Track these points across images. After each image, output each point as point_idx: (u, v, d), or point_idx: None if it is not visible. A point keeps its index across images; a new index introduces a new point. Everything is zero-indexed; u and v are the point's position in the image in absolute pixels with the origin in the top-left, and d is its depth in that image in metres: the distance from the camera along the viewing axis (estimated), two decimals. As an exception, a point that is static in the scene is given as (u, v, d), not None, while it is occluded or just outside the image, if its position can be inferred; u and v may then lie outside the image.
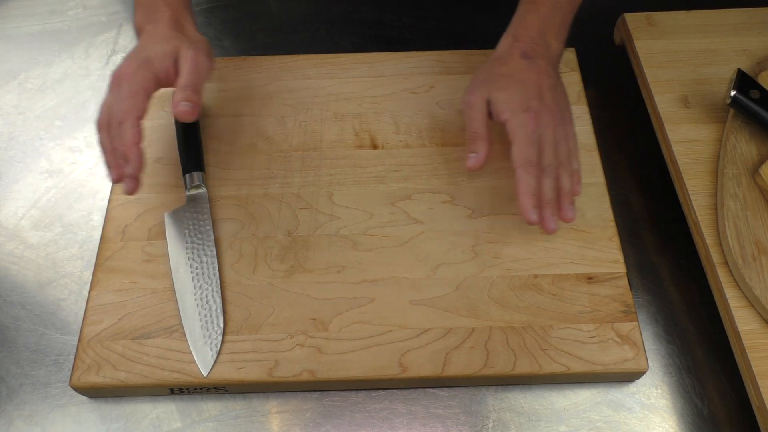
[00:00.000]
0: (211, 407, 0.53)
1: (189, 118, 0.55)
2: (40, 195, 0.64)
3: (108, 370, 0.52)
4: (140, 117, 0.53)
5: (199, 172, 0.60)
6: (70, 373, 0.53)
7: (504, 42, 0.59)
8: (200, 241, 0.56)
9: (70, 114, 0.70)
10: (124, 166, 0.53)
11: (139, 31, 0.59)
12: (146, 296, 0.55)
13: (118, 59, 0.74)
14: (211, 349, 0.52)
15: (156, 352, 0.53)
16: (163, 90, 0.67)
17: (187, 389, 0.52)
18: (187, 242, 0.57)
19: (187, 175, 0.60)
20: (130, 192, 0.54)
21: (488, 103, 0.56)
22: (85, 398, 0.53)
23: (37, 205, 0.64)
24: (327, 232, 0.59)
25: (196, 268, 0.55)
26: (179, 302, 0.54)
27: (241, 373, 0.52)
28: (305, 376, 0.51)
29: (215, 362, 0.52)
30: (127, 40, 0.76)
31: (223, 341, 0.53)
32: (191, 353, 0.52)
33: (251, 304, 0.55)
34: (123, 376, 0.52)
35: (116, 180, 0.54)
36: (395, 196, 0.61)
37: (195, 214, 0.58)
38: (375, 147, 0.64)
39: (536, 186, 0.54)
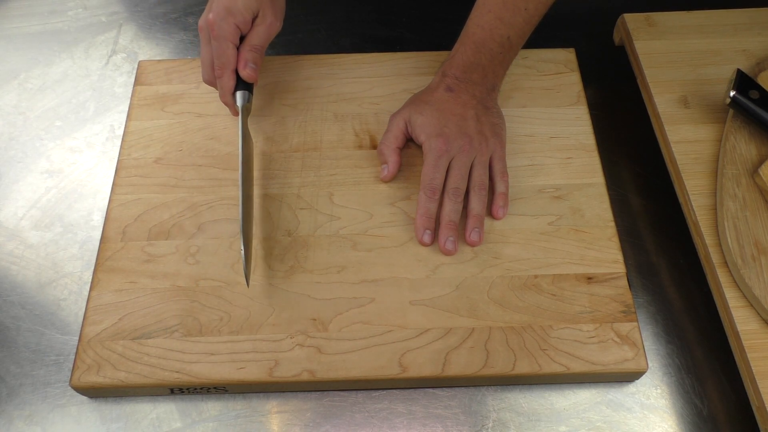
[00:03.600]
0: (211, 407, 0.53)
1: (253, 80, 0.60)
2: (40, 195, 0.64)
3: (108, 370, 0.52)
4: (233, 68, 0.59)
5: (242, 92, 0.61)
6: (70, 373, 0.53)
7: (436, 76, 0.63)
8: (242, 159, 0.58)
9: (70, 114, 0.70)
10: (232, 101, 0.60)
11: None
12: (146, 296, 0.55)
13: (118, 59, 0.74)
14: (243, 260, 0.53)
15: (156, 352, 0.53)
16: (162, 90, 0.67)
17: (187, 389, 0.52)
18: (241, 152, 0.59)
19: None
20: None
21: (408, 125, 0.61)
22: (85, 398, 0.53)
23: (37, 205, 0.64)
24: (327, 232, 0.59)
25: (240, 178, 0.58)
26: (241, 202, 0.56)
27: (241, 373, 0.52)
28: (305, 376, 0.51)
29: (247, 272, 0.53)
30: (127, 40, 0.76)
31: (245, 258, 0.53)
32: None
33: (251, 304, 0.55)
34: (123, 376, 0.52)
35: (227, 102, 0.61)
36: (395, 196, 0.61)
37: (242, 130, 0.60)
38: (375, 147, 0.64)
39: (433, 210, 0.57)
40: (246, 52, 0.59)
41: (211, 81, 0.60)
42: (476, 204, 0.58)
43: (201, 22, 0.58)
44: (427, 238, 0.57)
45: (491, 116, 0.61)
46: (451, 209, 0.57)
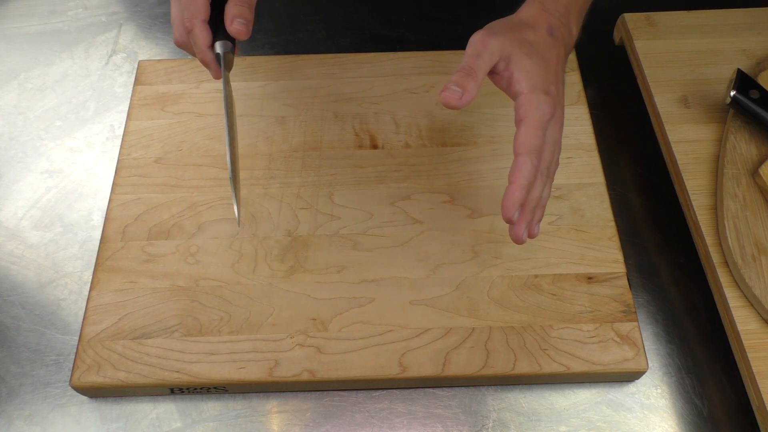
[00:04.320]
0: (211, 407, 0.53)
1: (243, 37, 0.52)
2: (40, 195, 0.64)
3: (108, 370, 0.52)
4: (205, 19, 0.51)
5: (222, 41, 0.54)
6: (70, 373, 0.53)
7: (529, 8, 0.51)
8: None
9: (70, 114, 0.70)
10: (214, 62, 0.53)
11: None
12: (146, 296, 0.55)
13: (118, 59, 0.74)
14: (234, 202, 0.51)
15: (156, 352, 0.53)
16: (161, 90, 0.67)
17: (187, 389, 0.52)
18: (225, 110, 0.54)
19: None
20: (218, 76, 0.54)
21: (505, 60, 0.48)
22: (85, 398, 0.53)
23: (37, 205, 0.64)
24: (327, 232, 0.59)
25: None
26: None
27: (241, 373, 0.52)
28: (305, 376, 0.51)
29: (238, 211, 0.51)
30: (127, 40, 0.76)
31: (235, 196, 0.51)
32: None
33: (251, 304, 0.55)
34: (123, 376, 0.52)
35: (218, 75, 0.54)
36: (395, 196, 0.61)
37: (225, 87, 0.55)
38: (375, 147, 0.64)
39: (532, 182, 0.46)
40: (232, 7, 0.51)
41: (184, 40, 0.53)
42: (547, 192, 0.49)
43: None
44: (517, 216, 0.46)
45: (564, 88, 0.51)
46: (540, 190, 0.47)
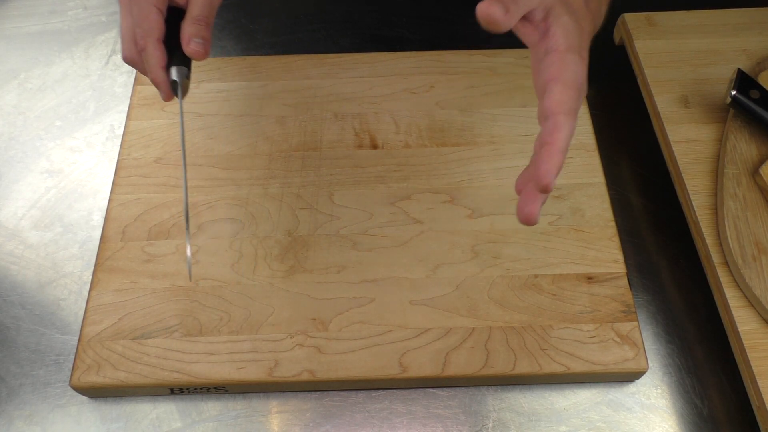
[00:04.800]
0: (211, 407, 0.53)
1: (201, 57, 0.50)
2: (40, 195, 0.64)
3: (108, 370, 0.52)
4: (159, 37, 0.49)
5: (178, 67, 0.52)
6: (70, 373, 0.53)
7: None
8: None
9: (70, 114, 0.70)
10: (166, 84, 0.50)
11: None
12: (146, 296, 0.55)
13: (118, 59, 0.74)
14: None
15: (156, 352, 0.53)
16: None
17: (187, 389, 0.52)
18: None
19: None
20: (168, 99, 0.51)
21: (544, 10, 0.43)
22: (85, 398, 0.53)
23: (37, 205, 0.64)
24: (327, 232, 0.59)
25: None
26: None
27: (241, 373, 0.52)
28: (305, 376, 0.51)
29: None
30: (127, 40, 0.76)
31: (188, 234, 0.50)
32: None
33: (251, 304, 0.55)
34: (123, 376, 0.52)
35: (168, 97, 0.51)
36: (395, 196, 0.61)
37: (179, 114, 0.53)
38: (375, 147, 0.64)
39: (567, 147, 0.41)
40: (188, 26, 0.49)
41: (133, 57, 0.50)
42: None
43: None
44: (553, 183, 0.41)
45: None
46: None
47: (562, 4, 0.43)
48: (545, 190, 0.41)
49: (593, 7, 0.46)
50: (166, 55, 0.49)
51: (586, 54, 0.44)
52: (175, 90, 0.51)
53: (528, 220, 0.41)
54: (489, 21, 0.40)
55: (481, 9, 0.39)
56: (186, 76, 0.51)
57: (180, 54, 0.51)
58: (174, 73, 0.51)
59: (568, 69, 0.41)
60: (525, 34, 0.44)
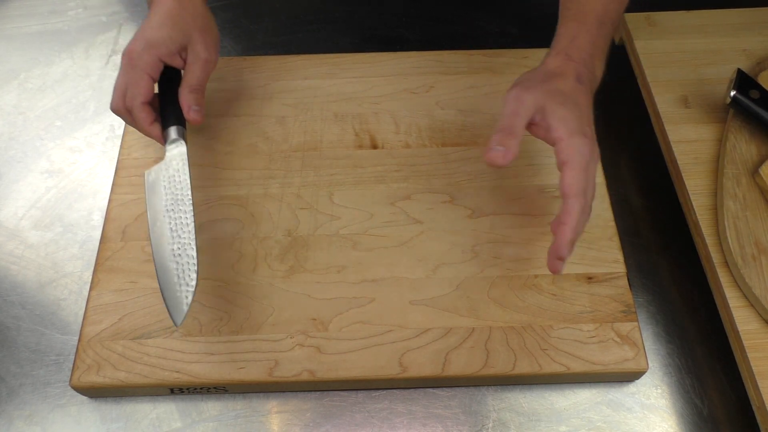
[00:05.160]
0: (211, 407, 0.53)
1: (199, 122, 0.57)
2: (40, 195, 0.64)
3: (108, 370, 0.52)
4: (145, 101, 0.55)
5: (177, 127, 0.57)
6: (70, 373, 0.53)
7: (555, 58, 0.53)
8: (177, 195, 0.54)
9: (70, 114, 0.70)
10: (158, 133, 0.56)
11: (149, 3, 0.58)
12: (146, 296, 0.55)
13: (118, 59, 0.74)
14: (185, 298, 0.50)
15: (156, 352, 0.53)
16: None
17: (187, 389, 0.52)
18: (165, 195, 0.54)
19: (165, 131, 0.57)
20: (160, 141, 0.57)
21: (540, 112, 0.50)
22: (85, 398, 0.53)
23: (37, 205, 0.64)
24: (327, 232, 0.59)
25: (173, 220, 0.53)
26: (155, 256, 0.51)
27: (241, 373, 0.52)
28: (305, 376, 0.51)
29: (187, 312, 0.49)
30: (127, 40, 0.76)
31: (194, 294, 0.50)
32: (166, 314, 0.50)
33: (251, 304, 0.55)
34: (123, 376, 0.52)
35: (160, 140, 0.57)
36: (395, 196, 0.61)
37: (173, 168, 0.56)
38: (375, 147, 0.64)
39: (581, 222, 0.48)
40: (187, 95, 0.56)
41: (120, 110, 0.56)
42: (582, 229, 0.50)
43: (124, 50, 0.56)
44: (568, 256, 0.48)
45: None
46: (582, 225, 0.49)
47: (553, 100, 0.50)
48: (561, 259, 0.48)
49: (586, 79, 0.52)
50: (151, 114, 0.56)
51: (588, 129, 0.50)
52: (177, 144, 0.57)
53: (555, 272, 0.49)
54: (495, 166, 0.48)
55: (487, 159, 0.48)
56: (183, 134, 0.57)
57: (176, 110, 0.58)
58: (174, 133, 0.57)
59: (574, 152, 0.48)
60: (533, 132, 0.51)
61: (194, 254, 0.51)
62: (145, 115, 0.55)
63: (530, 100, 0.50)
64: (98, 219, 0.62)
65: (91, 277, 0.57)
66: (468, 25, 0.77)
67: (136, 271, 0.57)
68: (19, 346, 0.56)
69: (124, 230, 0.59)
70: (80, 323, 0.54)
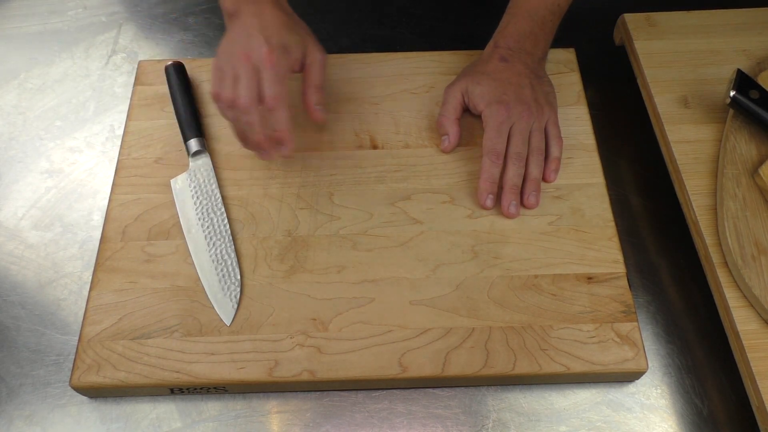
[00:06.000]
0: (211, 407, 0.53)
1: (323, 121, 0.59)
2: (40, 195, 0.64)
3: (108, 370, 0.52)
4: (287, 103, 0.54)
5: (199, 138, 0.62)
6: (70, 373, 0.53)
7: (487, 48, 0.64)
8: (208, 202, 0.59)
9: (70, 114, 0.70)
10: (275, 147, 0.56)
11: (235, 12, 0.55)
12: (146, 296, 0.55)
13: (118, 59, 0.74)
14: (231, 300, 0.54)
15: (156, 352, 0.53)
16: (162, 90, 0.67)
17: (187, 389, 0.52)
18: (195, 204, 0.59)
19: (187, 143, 0.62)
20: (289, 152, 0.56)
21: (466, 95, 0.62)
22: (85, 398, 0.53)
23: (37, 205, 0.64)
24: (327, 232, 0.59)
25: (208, 227, 0.58)
26: (195, 262, 0.56)
27: (241, 373, 0.52)
28: (305, 376, 0.51)
29: (236, 313, 0.54)
30: (127, 40, 0.76)
31: (241, 293, 0.55)
32: (213, 307, 0.55)
33: (251, 304, 0.55)
34: (123, 376, 0.52)
35: (268, 158, 0.58)
36: (395, 196, 0.61)
37: (200, 178, 0.61)
38: (375, 147, 0.64)
39: (497, 174, 0.59)
40: (312, 95, 0.58)
41: (251, 104, 0.53)
42: (535, 168, 0.59)
43: (248, 52, 0.53)
44: (489, 203, 0.59)
45: (543, 84, 0.62)
46: (514, 173, 0.59)
47: (472, 81, 0.62)
48: (484, 208, 0.60)
49: (513, 58, 0.62)
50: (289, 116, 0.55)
51: (510, 96, 0.60)
52: (201, 155, 0.62)
53: (506, 214, 0.59)
54: (447, 152, 0.63)
55: (442, 149, 0.63)
56: (205, 143, 0.62)
57: (196, 122, 0.63)
58: (196, 144, 0.61)
59: (489, 118, 0.60)
60: (474, 113, 0.63)
61: (234, 257, 0.56)
62: (289, 117, 0.54)
63: (455, 91, 0.63)
64: (98, 219, 0.62)
65: (91, 277, 0.57)
66: (468, 25, 0.77)
67: (136, 271, 0.57)
68: (19, 346, 0.56)
69: (124, 230, 0.59)
70: (80, 323, 0.54)
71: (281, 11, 0.56)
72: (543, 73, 0.64)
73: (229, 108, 0.55)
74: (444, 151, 0.63)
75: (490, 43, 0.64)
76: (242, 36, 0.54)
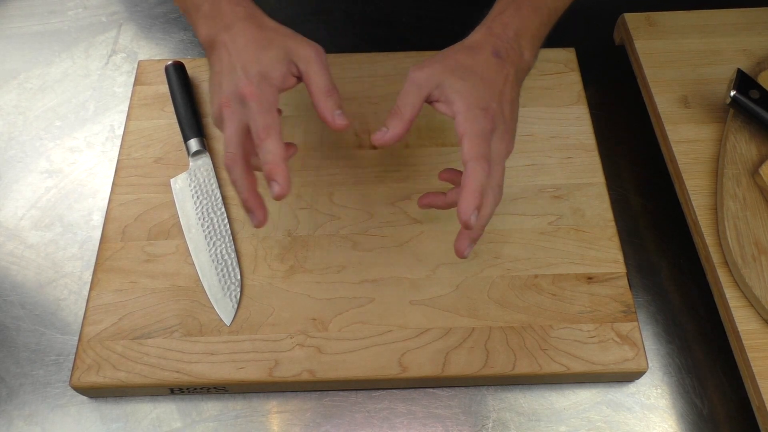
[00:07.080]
0: (211, 407, 0.53)
1: (346, 128, 0.50)
2: (40, 195, 0.64)
3: (108, 370, 0.52)
4: (279, 133, 0.48)
5: (199, 138, 0.63)
6: (70, 373, 0.53)
7: (477, 32, 0.52)
8: (208, 202, 0.59)
9: (70, 114, 0.70)
10: (260, 208, 0.49)
11: (211, 44, 0.51)
12: (146, 296, 0.55)
13: (118, 59, 0.74)
14: (231, 300, 0.54)
15: (156, 352, 0.53)
16: (162, 90, 0.67)
17: (187, 389, 0.52)
18: (195, 204, 0.59)
19: (187, 143, 0.62)
20: (261, 224, 0.50)
21: (438, 88, 0.49)
22: (85, 398, 0.53)
23: (37, 205, 0.64)
24: (327, 232, 0.59)
25: (208, 227, 0.58)
26: (195, 262, 0.56)
27: (241, 373, 0.52)
28: (305, 376, 0.51)
29: (236, 313, 0.54)
30: (127, 40, 0.76)
31: (241, 293, 0.55)
32: (213, 307, 0.55)
33: (251, 304, 0.55)
34: (123, 376, 0.52)
35: (261, 223, 0.50)
36: (395, 196, 0.61)
37: (200, 177, 0.61)
38: (375, 147, 0.64)
39: (487, 185, 0.47)
40: (325, 102, 0.49)
41: (237, 160, 0.48)
42: (490, 207, 0.49)
43: (226, 96, 0.48)
44: (474, 220, 0.46)
45: (516, 108, 0.51)
46: (489, 203, 0.48)
47: (452, 74, 0.49)
48: (467, 226, 0.46)
49: (508, 55, 0.50)
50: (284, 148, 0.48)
51: (495, 104, 0.48)
52: (201, 155, 0.62)
53: (458, 255, 0.49)
54: (378, 145, 0.49)
55: (372, 140, 0.49)
56: (205, 143, 0.63)
57: (196, 122, 0.63)
58: (196, 144, 0.62)
59: (470, 124, 0.47)
60: (438, 110, 0.50)
61: (234, 257, 0.56)
62: (283, 145, 0.48)
63: (423, 78, 0.49)
64: (98, 219, 0.62)
65: (91, 277, 0.57)
66: (468, 25, 0.77)
67: (136, 271, 0.57)
68: (19, 346, 0.56)
69: (124, 230, 0.59)
70: (80, 323, 0.54)
71: (255, 28, 0.50)
72: (519, 92, 0.52)
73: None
74: (374, 142, 0.49)
75: (481, 28, 0.52)
76: (220, 75, 0.49)
